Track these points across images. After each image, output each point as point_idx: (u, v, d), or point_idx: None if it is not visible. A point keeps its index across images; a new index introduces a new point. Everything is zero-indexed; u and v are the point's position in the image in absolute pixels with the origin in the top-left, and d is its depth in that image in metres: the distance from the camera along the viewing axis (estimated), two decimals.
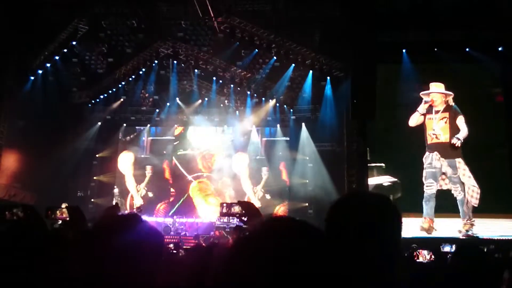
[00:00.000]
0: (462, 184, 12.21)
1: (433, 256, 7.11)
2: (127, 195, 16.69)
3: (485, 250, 7.54)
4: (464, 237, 11.65)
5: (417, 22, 12.66)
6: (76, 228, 2.58)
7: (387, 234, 1.32)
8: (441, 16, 12.56)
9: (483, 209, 12.15)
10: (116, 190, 16.65)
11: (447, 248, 8.14)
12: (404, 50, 13.51)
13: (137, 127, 17.36)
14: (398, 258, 1.37)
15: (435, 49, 13.15)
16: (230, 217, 10.11)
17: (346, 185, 13.28)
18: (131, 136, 17.34)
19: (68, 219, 2.77)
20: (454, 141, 12.21)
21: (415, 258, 7.60)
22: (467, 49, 13.18)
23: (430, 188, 12.08)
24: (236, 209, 2.53)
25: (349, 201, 1.41)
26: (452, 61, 13.13)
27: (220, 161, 16.67)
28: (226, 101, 16.66)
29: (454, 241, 10.34)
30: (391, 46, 13.18)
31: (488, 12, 12.26)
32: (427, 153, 12.50)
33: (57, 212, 3.89)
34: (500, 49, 13.30)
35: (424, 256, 7.57)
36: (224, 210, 2.61)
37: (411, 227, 11.51)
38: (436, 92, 12.54)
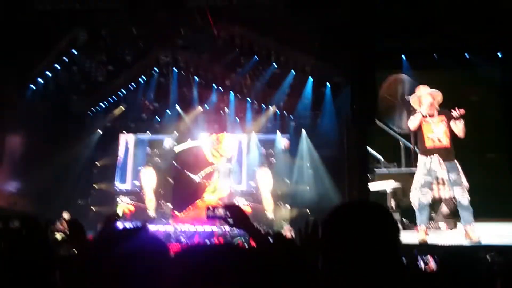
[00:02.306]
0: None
1: (433, 264, 7.07)
2: None
3: (488, 257, 7.51)
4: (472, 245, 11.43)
5: (416, 28, 12.68)
6: (75, 242, 2.56)
7: (386, 244, 1.34)
8: (440, 21, 12.58)
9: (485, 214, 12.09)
10: None
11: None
12: (403, 56, 13.55)
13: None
14: (397, 267, 1.37)
15: (434, 55, 13.16)
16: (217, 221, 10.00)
17: (347, 191, 13.27)
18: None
19: (67, 231, 2.76)
20: (458, 112, 11.81)
21: (422, 266, 7.57)
22: (466, 55, 13.21)
23: (425, 196, 11.94)
24: (221, 211, 2.50)
25: (344, 213, 1.43)
26: (451, 67, 13.14)
27: (231, 143, 16.55)
28: (226, 108, 16.69)
29: (459, 248, 10.22)
30: (390, 52, 13.20)
31: (487, 17, 12.28)
32: (424, 158, 12.32)
33: (57, 223, 3.87)
34: (499, 54, 13.34)
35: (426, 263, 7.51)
36: (210, 214, 2.58)
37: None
38: (428, 93, 12.36)
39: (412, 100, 12.43)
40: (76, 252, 2.70)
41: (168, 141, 16.88)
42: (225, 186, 16.33)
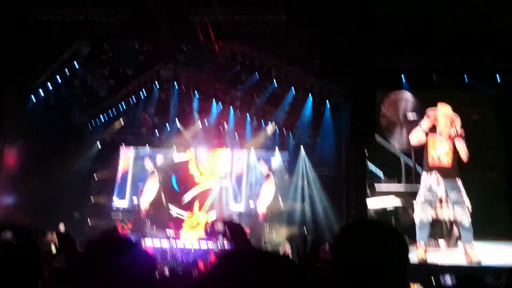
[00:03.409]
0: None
1: None
2: None
3: (486, 280, 7.43)
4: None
5: (416, 48, 12.78)
6: (66, 254, 2.54)
7: (397, 266, 1.34)
8: (440, 42, 12.68)
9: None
10: None
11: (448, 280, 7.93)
12: (403, 76, 13.61)
13: None
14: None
15: (434, 76, 13.22)
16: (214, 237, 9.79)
17: (344, 211, 13.20)
18: None
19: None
20: (455, 131, 11.75)
21: None
22: (465, 76, 13.28)
23: (426, 214, 11.86)
24: (220, 226, 2.48)
25: (356, 232, 1.43)
26: (451, 88, 13.19)
27: (224, 160, 16.28)
28: (225, 124, 16.71)
29: (456, 270, 10.09)
30: (390, 72, 13.26)
31: (487, 41, 12.38)
32: (425, 174, 12.29)
33: (48, 235, 3.84)
34: (498, 77, 13.41)
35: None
36: (209, 229, 2.56)
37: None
38: (444, 113, 12.34)
39: (428, 112, 12.42)
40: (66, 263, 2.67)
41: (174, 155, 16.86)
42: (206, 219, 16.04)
